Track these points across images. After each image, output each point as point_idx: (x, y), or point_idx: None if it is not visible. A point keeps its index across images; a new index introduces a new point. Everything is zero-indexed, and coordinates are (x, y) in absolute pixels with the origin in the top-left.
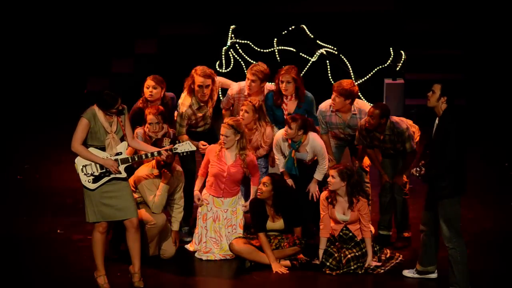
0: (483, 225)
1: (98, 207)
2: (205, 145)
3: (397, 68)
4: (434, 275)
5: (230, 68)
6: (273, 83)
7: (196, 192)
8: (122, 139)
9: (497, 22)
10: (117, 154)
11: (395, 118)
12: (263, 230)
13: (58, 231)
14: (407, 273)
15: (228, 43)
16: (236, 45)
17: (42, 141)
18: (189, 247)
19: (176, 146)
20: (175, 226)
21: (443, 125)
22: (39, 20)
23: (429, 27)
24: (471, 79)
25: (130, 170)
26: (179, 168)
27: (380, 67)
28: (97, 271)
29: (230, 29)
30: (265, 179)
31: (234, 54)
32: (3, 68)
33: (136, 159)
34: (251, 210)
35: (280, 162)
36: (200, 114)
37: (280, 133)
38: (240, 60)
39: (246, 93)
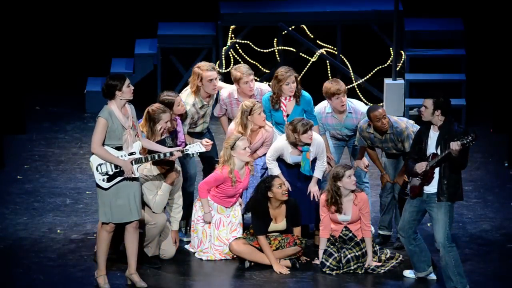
0: (483, 225)
1: (110, 209)
2: (208, 142)
3: (397, 68)
4: (433, 275)
5: (230, 68)
6: (265, 82)
7: (208, 215)
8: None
9: (498, 22)
10: (131, 153)
11: (394, 118)
12: (263, 233)
13: (58, 231)
14: (408, 273)
15: (228, 43)
16: (236, 45)
17: (42, 141)
18: (189, 247)
19: (187, 147)
20: (175, 226)
21: (448, 134)
22: (39, 20)
23: (429, 27)
24: (472, 79)
25: None
26: (176, 166)
27: (380, 67)
28: (98, 270)
29: (230, 29)
30: (280, 180)
31: (234, 54)
32: (3, 67)
33: (149, 159)
34: (254, 211)
35: (274, 166)
36: (202, 113)
37: (282, 141)
38: (240, 60)
39: (236, 96)
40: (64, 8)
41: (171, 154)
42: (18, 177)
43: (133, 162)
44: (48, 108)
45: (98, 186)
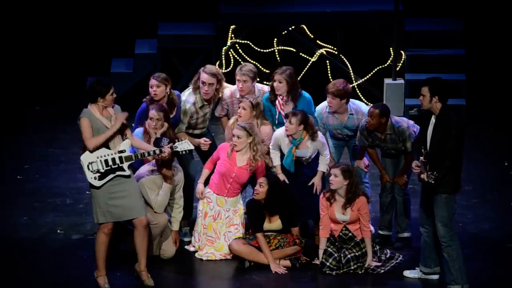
0: (483, 225)
1: (107, 208)
2: (207, 141)
3: (397, 68)
4: (436, 276)
5: (230, 68)
6: (266, 83)
7: (200, 184)
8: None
9: (498, 22)
10: (121, 152)
11: (395, 118)
12: (260, 230)
13: (58, 231)
14: (408, 273)
15: (228, 43)
16: (236, 45)
17: (42, 141)
18: (189, 247)
19: (176, 144)
20: (175, 226)
21: (442, 123)
22: (39, 20)
23: (429, 27)
24: (472, 79)
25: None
26: (178, 166)
27: (380, 67)
28: (98, 271)
29: (230, 29)
30: (262, 179)
31: (234, 54)
32: (3, 67)
33: (139, 157)
34: (248, 211)
35: (275, 155)
36: (201, 114)
37: (280, 131)
38: (240, 60)
39: (238, 96)
40: (64, 8)
41: (161, 151)
42: (18, 177)
43: (124, 160)
44: (48, 108)
45: (91, 186)
